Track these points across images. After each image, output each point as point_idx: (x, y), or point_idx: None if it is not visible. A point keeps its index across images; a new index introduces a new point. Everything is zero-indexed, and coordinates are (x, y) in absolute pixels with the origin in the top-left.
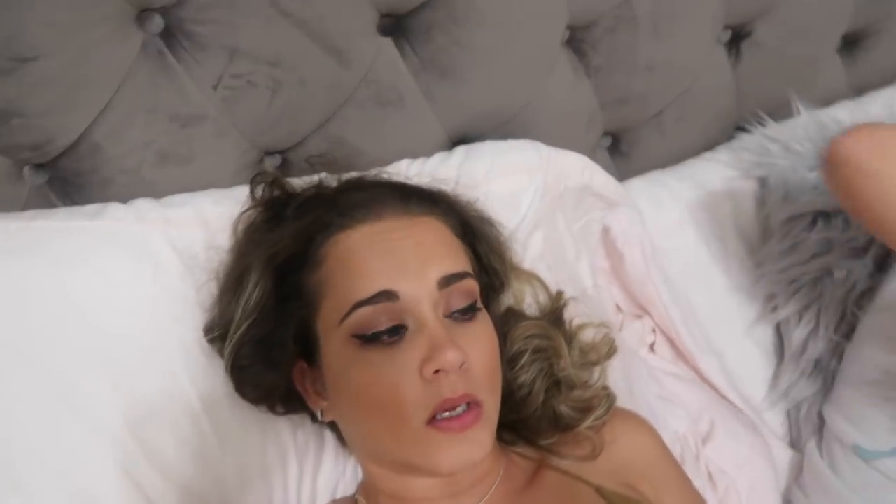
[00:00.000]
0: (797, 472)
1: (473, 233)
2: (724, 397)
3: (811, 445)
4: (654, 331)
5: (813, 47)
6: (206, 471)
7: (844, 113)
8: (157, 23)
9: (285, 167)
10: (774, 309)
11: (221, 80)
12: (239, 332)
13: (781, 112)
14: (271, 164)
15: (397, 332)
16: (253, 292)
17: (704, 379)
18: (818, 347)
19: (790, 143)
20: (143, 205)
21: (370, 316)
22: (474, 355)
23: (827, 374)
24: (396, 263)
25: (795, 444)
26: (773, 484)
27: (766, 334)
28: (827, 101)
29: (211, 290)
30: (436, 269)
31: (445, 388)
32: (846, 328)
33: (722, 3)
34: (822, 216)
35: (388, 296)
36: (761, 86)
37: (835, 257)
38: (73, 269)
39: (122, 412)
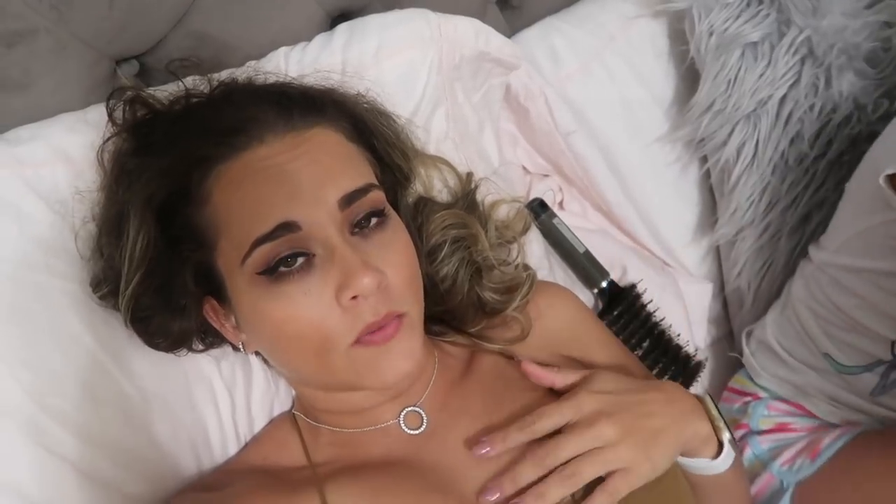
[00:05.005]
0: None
1: (369, 131)
2: (636, 242)
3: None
4: (560, 189)
5: None
6: (133, 425)
7: None
8: None
9: (145, 74)
10: (702, 145)
11: None
12: (131, 287)
13: None
14: (128, 72)
15: (305, 260)
16: (137, 241)
17: (619, 227)
18: (752, 182)
19: None
20: None
21: (272, 252)
22: (390, 269)
23: (757, 211)
24: (290, 190)
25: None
26: (683, 316)
27: (688, 176)
28: None
29: (91, 233)
30: (334, 189)
31: (367, 313)
32: (781, 162)
33: None
34: (750, 47)
35: (288, 227)
36: None
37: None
38: None
39: (23, 388)
